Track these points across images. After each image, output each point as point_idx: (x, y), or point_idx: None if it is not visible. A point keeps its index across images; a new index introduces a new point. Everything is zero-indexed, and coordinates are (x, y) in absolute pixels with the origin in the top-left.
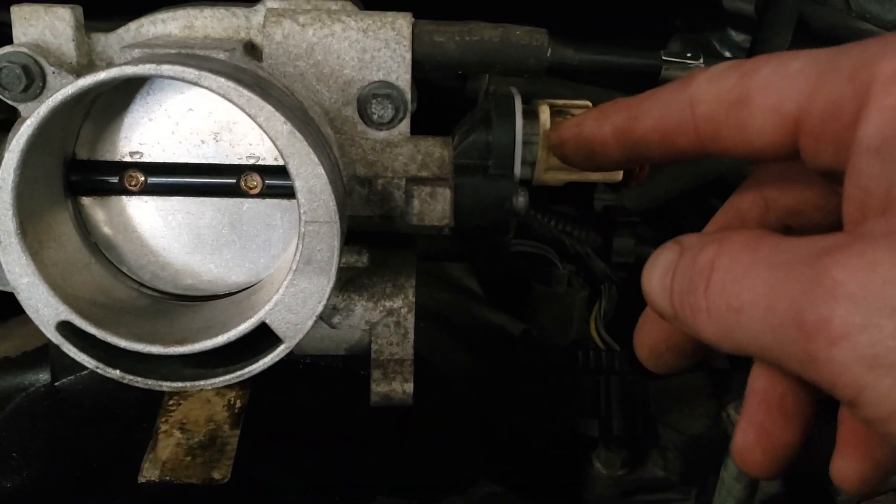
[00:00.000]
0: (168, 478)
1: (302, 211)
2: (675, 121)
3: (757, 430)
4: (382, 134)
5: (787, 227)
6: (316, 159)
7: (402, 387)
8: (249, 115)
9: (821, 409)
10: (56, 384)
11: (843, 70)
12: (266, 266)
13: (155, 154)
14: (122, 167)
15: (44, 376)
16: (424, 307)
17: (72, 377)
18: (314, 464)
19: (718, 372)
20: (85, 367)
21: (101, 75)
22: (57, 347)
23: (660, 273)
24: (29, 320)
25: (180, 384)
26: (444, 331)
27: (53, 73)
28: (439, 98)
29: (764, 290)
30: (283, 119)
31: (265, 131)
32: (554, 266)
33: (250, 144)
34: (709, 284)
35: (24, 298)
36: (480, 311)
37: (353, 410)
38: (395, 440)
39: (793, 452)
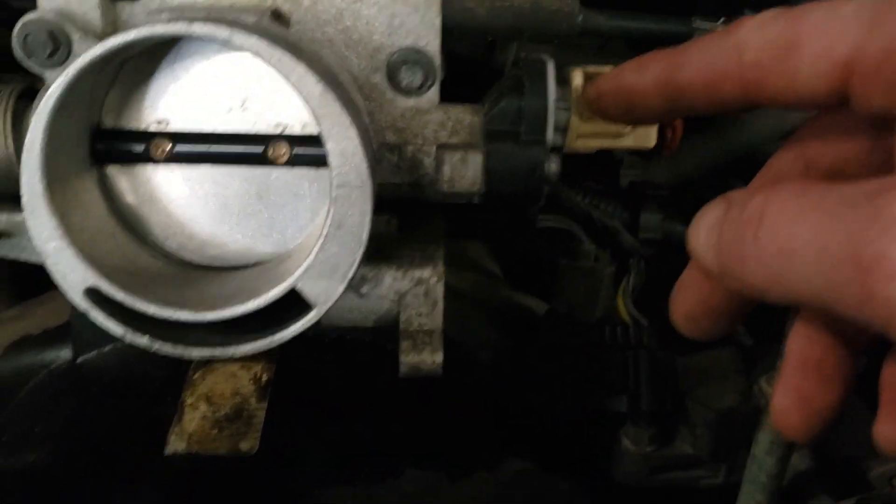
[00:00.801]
0: (195, 450)
1: (333, 174)
2: (721, 68)
3: (795, 392)
4: (412, 101)
5: None
6: (348, 120)
7: (432, 357)
8: (282, 75)
9: (857, 374)
10: (78, 360)
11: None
12: (293, 236)
13: (181, 122)
14: (148, 135)
15: (65, 353)
16: (448, 285)
17: (94, 353)
18: (342, 437)
19: (746, 348)
20: (107, 343)
21: (132, 34)
22: (79, 323)
23: (706, 228)
24: (49, 300)
25: (209, 351)
26: (469, 309)
27: (79, 39)
28: (466, 70)
29: (817, 231)
30: (315, 79)
31: (297, 91)
32: (579, 241)
33: (278, 113)
34: (758, 231)
35: (51, 264)
36: (504, 292)
37: (380, 384)
38: (423, 415)
39: (831, 415)
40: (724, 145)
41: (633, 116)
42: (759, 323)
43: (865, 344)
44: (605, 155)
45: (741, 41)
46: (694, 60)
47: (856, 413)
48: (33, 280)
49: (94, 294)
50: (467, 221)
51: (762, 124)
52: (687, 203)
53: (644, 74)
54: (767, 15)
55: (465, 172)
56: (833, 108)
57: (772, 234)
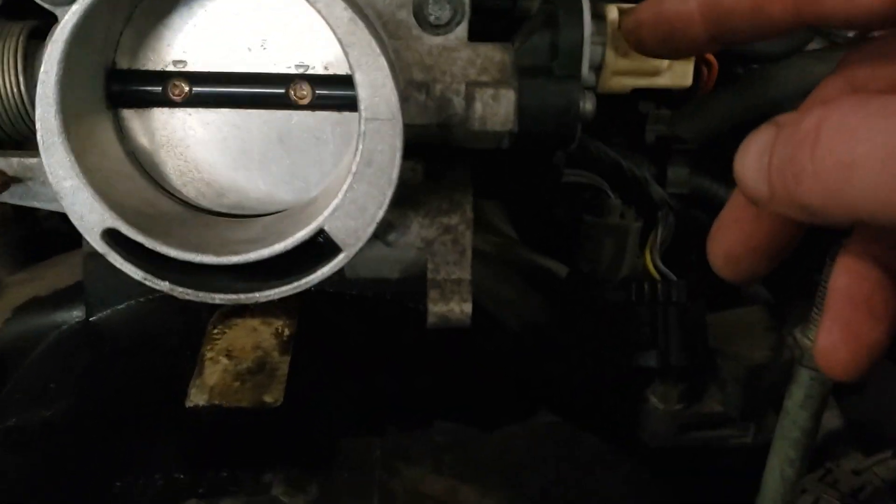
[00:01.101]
0: (217, 402)
1: (363, 107)
2: None
3: (843, 328)
4: (439, 39)
5: None
6: (378, 49)
7: (461, 307)
8: (308, 1)
9: None
10: (91, 319)
11: None
12: (316, 183)
13: (199, 63)
14: (165, 76)
15: (77, 313)
16: None
17: (107, 311)
18: (369, 390)
19: (774, 305)
20: (121, 301)
21: None
22: (92, 281)
23: (756, 151)
24: (57, 263)
25: (234, 296)
26: (490, 269)
27: None
28: (489, 20)
29: (881, 139)
30: (343, 5)
31: (325, 18)
32: (606, 196)
33: (300, 52)
34: (816, 146)
35: (67, 204)
36: (525, 253)
37: (404, 340)
38: (450, 370)
39: (880, 352)
40: (750, 100)
41: (674, 47)
42: (781, 283)
43: None
44: (630, 110)
45: None
46: None
47: (885, 372)
48: (42, 246)
49: (112, 236)
50: (486, 179)
51: (787, 79)
52: (713, 158)
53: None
54: None
55: (497, 110)
56: (886, 28)
57: (830, 147)
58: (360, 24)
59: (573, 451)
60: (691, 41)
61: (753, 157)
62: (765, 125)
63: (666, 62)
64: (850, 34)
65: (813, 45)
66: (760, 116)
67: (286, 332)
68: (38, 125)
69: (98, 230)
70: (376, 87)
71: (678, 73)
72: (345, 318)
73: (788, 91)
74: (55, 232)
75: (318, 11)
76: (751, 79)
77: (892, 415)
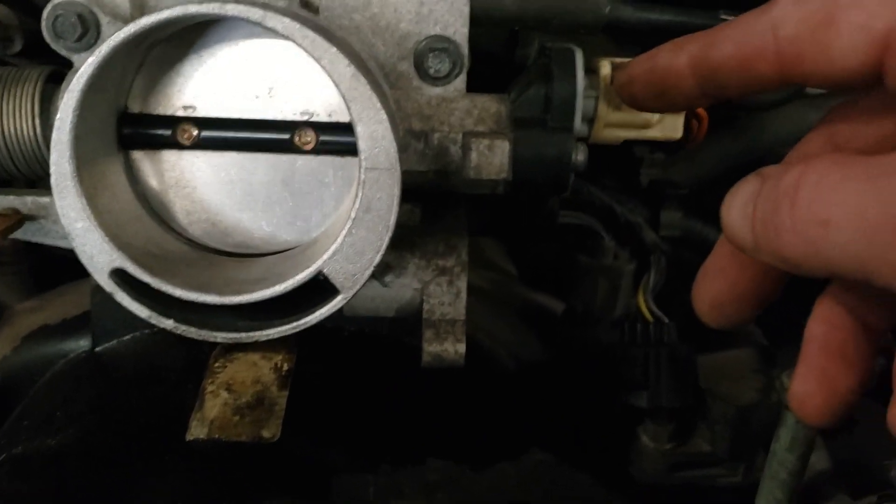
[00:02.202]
0: (216, 436)
1: (363, 157)
2: (757, 45)
3: (818, 375)
4: (438, 90)
5: None
6: (378, 104)
7: (454, 347)
8: (313, 57)
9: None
10: (97, 349)
11: None
12: (317, 224)
13: (208, 108)
14: (174, 121)
15: (84, 343)
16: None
17: (113, 342)
18: (363, 427)
19: (765, 347)
20: (126, 332)
21: (166, 13)
22: (99, 312)
23: (741, 202)
24: (67, 291)
25: (235, 335)
26: (487, 307)
27: (108, 22)
28: (487, 66)
29: (856, 200)
30: (346, 62)
31: (329, 74)
32: (600, 238)
33: (304, 100)
34: (795, 201)
35: (78, 245)
36: (521, 290)
37: (400, 377)
38: (444, 407)
39: (853, 399)
40: (744, 146)
41: (665, 101)
42: (775, 325)
43: (886, 331)
44: (625, 154)
45: (777, 17)
46: (729, 38)
47: (873, 414)
48: (53, 273)
49: (120, 275)
50: (483, 218)
51: (781, 125)
52: (706, 202)
53: (679, 55)
54: None
55: (492, 159)
56: (866, 88)
57: (809, 203)
58: (362, 79)
59: (565, 488)
60: (682, 96)
61: (739, 207)
62: (750, 176)
63: (656, 115)
64: None
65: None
66: (755, 161)
67: (285, 366)
68: (52, 170)
69: (107, 270)
70: (376, 139)
71: (668, 126)
72: (342, 353)
73: (783, 137)
74: (65, 259)
75: (323, 68)
76: (745, 125)
77: (880, 456)
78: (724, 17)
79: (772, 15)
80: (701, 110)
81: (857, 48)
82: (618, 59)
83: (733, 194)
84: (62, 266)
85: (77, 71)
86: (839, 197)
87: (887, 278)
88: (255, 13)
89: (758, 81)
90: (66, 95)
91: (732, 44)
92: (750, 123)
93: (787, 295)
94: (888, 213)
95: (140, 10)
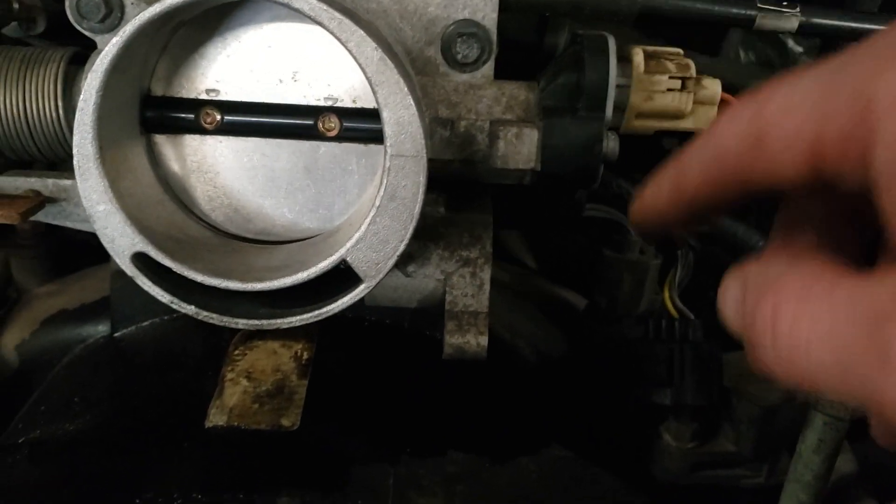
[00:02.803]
0: (235, 423)
1: (388, 144)
2: (714, 169)
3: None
4: (466, 76)
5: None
6: (405, 88)
7: (477, 339)
8: (340, 41)
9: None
10: (116, 335)
11: (844, 91)
12: (340, 212)
13: (232, 92)
14: (198, 104)
15: (103, 328)
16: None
17: (132, 328)
18: (383, 417)
19: None
20: (146, 318)
21: None
22: (118, 297)
23: (731, 298)
24: (86, 276)
25: (256, 322)
26: (507, 299)
27: (132, 4)
28: (515, 53)
29: (825, 326)
30: (374, 45)
31: (356, 57)
32: (626, 232)
33: (329, 85)
34: (773, 331)
35: (99, 227)
36: (543, 285)
37: (421, 368)
38: (464, 400)
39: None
40: None
41: (666, 232)
42: None
43: None
44: (654, 145)
45: (719, 138)
46: (692, 167)
47: None
48: (72, 257)
49: (141, 259)
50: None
51: None
52: None
53: (659, 197)
54: (738, 105)
55: (520, 148)
56: (809, 193)
57: (784, 334)
58: (390, 63)
59: (585, 485)
60: (687, 224)
61: (730, 304)
62: (733, 276)
63: (690, 105)
64: None
65: None
66: None
67: (305, 355)
68: (74, 151)
69: (128, 254)
70: (403, 125)
71: (702, 118)
72: (362, 343)
73: None
74: (85, 244)
75: (349, 51)
76: None
77: None
78: (760, 5)
79: (716, 135)
80: (734, 100)
81: (794, 160)
82: (650, 48)
83: (724, 289)
84: (81, 251)
85: (101, 51)
86: (809, 325)
87: (863, 403)
88: None
89: (733, 200)
90: (89, 76)
91: (696, 172)
92: None
93: None
94: (859, 343)
95: None
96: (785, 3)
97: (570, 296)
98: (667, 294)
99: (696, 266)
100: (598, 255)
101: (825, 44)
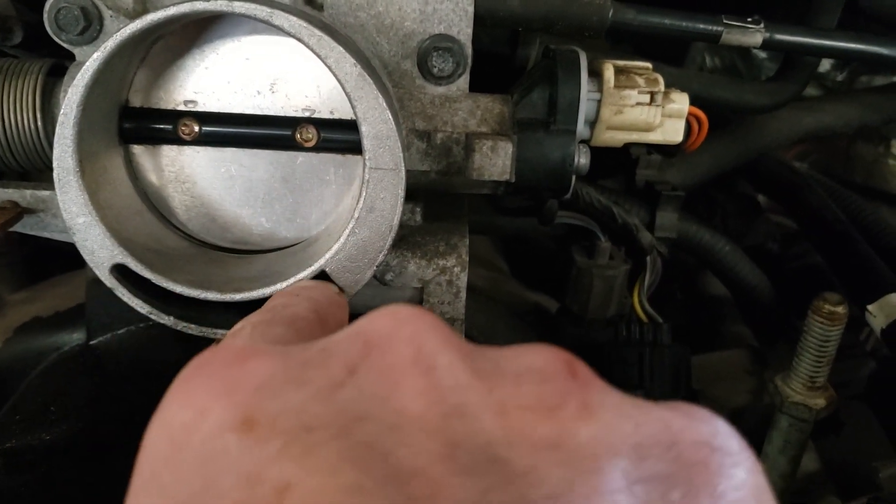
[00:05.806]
0: None
1: (367, 157)
2: None
3: None
4: (441, 89)
5: None
6: (384, 103)
7: None
8: (319, 56)
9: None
10: (92, 343)
11: None
12: (317, 222)
13: (210, 104)
14: (176, 115)
15: (78, 336)
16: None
17: (108, 336)
18: None
19: (758, 349)
20: (122, 326)
21: (172, 10)
22: (94, 305)
23: None
24: (60, 283)
25: None
26: (481, 304)
27: (111, 17)
28: (488, 67)
29: None
30: (353, 61)
31: (334, 73)
32: (596, 238)
33: (306, 97)
34: None
35: (79, 239)
36: (515, 288)
37: None
38: None
39: None
40: (739, 149)
41: None
42: (767, 327)
43: None
44: (621, 155)
45: None
46: None
47: (863, 417)
48: (44, 263)
49: (121, 271)
50: (479, 218)
51: (779, 128)
52: (696, 208)
53: None
54: None
55: (495, 161)
56: None
57: None
58: (368, 79)
59: None
60: None
61: None
62: None
63: (658, 119)
64: (840, 78)
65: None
66: (749, 163)
67: None
68: (55, 164)
69: (108, 265)
70: (381, 139)
71: (670, 130)
72: None
73: (777, 140)
74: (58, 250)
75: (329, 67)
76: (740, 128)
77: (869, 458)
78: (726, 21)
79: None
80: (700, 112)
81: None
82: (620, 62)
83: None
84: (54, 257)
85: (81, 66)
86: None
87: None
88: (261, 11)
89: None
90: (70, 90)
91: None
92: (744, 127)
93: (780, 297)
94: None
95: (142, 4)
96: (749, 20)
97: (542, 299)
98: (636, 298)
99: (664, 271)
100: (569, 260)
101: (788, 55)
